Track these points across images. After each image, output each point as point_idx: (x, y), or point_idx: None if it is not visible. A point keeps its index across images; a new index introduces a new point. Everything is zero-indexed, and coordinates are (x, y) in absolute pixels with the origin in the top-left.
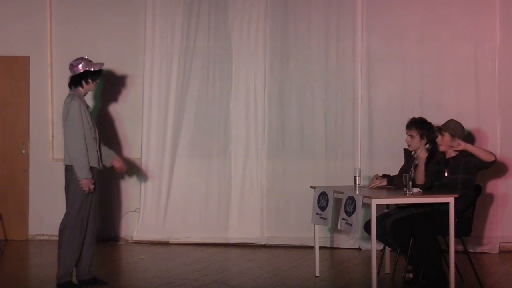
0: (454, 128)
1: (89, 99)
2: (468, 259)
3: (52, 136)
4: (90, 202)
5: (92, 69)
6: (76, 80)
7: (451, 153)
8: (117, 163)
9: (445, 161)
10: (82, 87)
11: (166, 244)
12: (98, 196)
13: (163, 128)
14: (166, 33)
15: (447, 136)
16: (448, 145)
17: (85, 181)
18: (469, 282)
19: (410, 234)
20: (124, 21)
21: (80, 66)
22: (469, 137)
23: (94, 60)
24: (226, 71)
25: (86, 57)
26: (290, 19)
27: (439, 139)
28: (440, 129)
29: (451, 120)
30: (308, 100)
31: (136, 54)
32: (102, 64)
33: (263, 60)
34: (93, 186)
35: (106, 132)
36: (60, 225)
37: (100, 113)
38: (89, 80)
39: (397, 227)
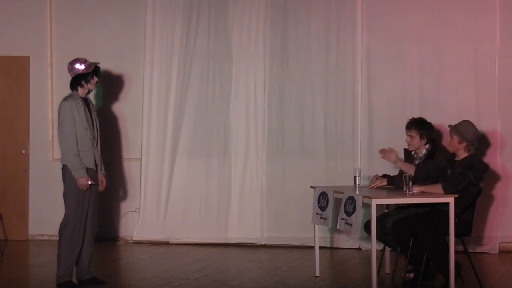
0: (465, 133)
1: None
2: (468, 259)
3: (52, 136)
4: (88, 202)
5: (86, 72)
6: (73, 82)
7: (460, 156)
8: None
9: (453, 162)
10: (80, 88)
11: (166, 244)
12: (96, 196)
13: (163, 128)
14: (166, 34)
15: (455, 139)
16: (456, 149)
17: (80, 180)
18: (469, 282)
19: (411, 234)
20: (124, 22)
21: (74, 69)
22: (482, 139)
23: (93, 60)
24: (226, 72)
25: (82, 58)
26: (290, 19)
27: (448, 140)
28: (451, 131)
29: (465, 123)
30: (308, 100)
31: (136, 54)
32: (94, 64)
33: (263, 60)
34: (91, 183)
35: (106, 132)
36: (60, 225)
37: (100, 113)
38: (83, 82)
39: (399, 227)
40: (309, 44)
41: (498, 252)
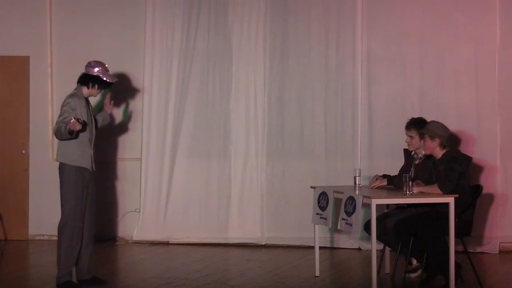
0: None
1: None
2: (468, 259)
3: (52, 136)
4: (85, 201)
5: (104, 79)
6: (85, 79)
7: (437, 155)
8: (107, 105)
9: (434, 163)
10: (87, 88)
11: (166, 244)
12: (94, 196)
13: (163, 128)
14: (166, 34)
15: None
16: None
17: (69, 123)
18: (469, 282)
19: (411, 234)
20: (124, 22)
21: (96, 69)
22: (454, 138)
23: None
24: (226, 72)
25: (107, 67)
26: (290, 19)
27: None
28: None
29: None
30: (308, 100)
31: (136, 55)
32: (115, 78)
33: (263, 60)
34: (78, 122)
35: (106, 132)
36: (59, 225)
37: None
38: (95, 85)
39: (399, 227)
40: (309, 44)
41: (498, 252)
